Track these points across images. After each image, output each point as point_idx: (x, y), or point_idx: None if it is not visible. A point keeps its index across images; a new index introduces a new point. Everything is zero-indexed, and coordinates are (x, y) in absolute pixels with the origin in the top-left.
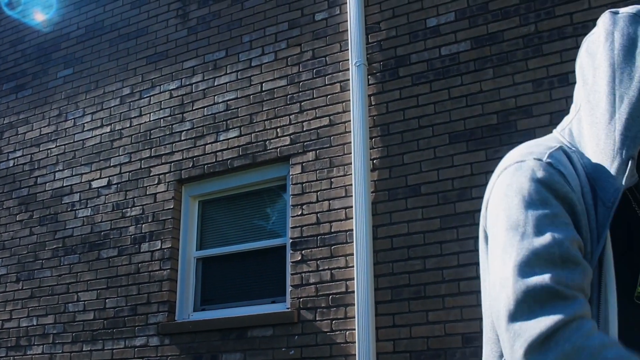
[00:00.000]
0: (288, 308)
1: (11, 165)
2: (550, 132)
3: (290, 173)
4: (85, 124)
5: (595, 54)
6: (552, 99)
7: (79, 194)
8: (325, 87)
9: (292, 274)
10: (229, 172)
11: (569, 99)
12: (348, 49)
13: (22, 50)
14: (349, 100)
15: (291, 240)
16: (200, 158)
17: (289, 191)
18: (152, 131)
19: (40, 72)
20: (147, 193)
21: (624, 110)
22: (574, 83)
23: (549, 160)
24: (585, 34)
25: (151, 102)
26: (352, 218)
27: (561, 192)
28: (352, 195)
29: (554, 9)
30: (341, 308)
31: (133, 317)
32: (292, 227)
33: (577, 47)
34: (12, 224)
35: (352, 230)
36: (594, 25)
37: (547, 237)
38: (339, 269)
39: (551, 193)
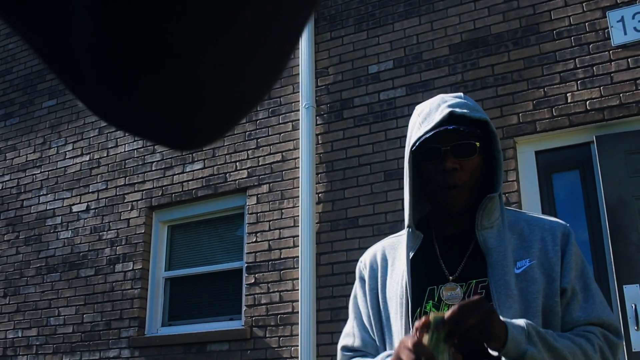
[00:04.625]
0: (242, 325)
1: (0, 188)
2: None
3: (247, 203)
4: (67, 152)
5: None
6: None
7: (60, 217)
8: (279, 125)
9: (246, 295)
10: (194, 201)
11: None
12: (299, 92)
13: (10, 80)
14: (299, 138)
15: (246, 265)
16: (169, 187)
17: (246, 220)
18: (126, 161)
19: (27, 102)
20: (122, 218)
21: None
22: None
23: (363, 255)
24: (504, 84)
25: (126, 134)
26: (298, 246)
27: (360, 275)
28: (299, 225)
29: (479, 60)
30: (287, 326)
31: (107, 331)
32: (247, 253)
33: (497, 95)
34: (0, 243)
35: (298, 257)
36: (513, 77)
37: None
38: (286, 292)
39: (358, 280)
